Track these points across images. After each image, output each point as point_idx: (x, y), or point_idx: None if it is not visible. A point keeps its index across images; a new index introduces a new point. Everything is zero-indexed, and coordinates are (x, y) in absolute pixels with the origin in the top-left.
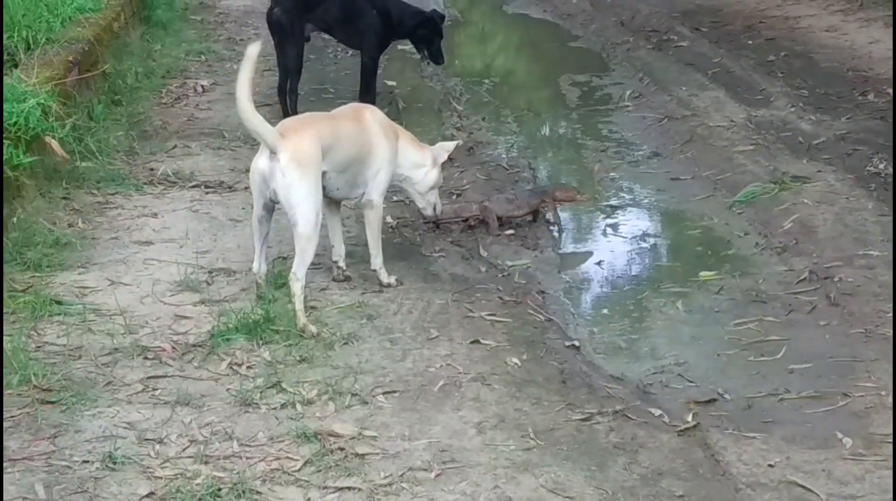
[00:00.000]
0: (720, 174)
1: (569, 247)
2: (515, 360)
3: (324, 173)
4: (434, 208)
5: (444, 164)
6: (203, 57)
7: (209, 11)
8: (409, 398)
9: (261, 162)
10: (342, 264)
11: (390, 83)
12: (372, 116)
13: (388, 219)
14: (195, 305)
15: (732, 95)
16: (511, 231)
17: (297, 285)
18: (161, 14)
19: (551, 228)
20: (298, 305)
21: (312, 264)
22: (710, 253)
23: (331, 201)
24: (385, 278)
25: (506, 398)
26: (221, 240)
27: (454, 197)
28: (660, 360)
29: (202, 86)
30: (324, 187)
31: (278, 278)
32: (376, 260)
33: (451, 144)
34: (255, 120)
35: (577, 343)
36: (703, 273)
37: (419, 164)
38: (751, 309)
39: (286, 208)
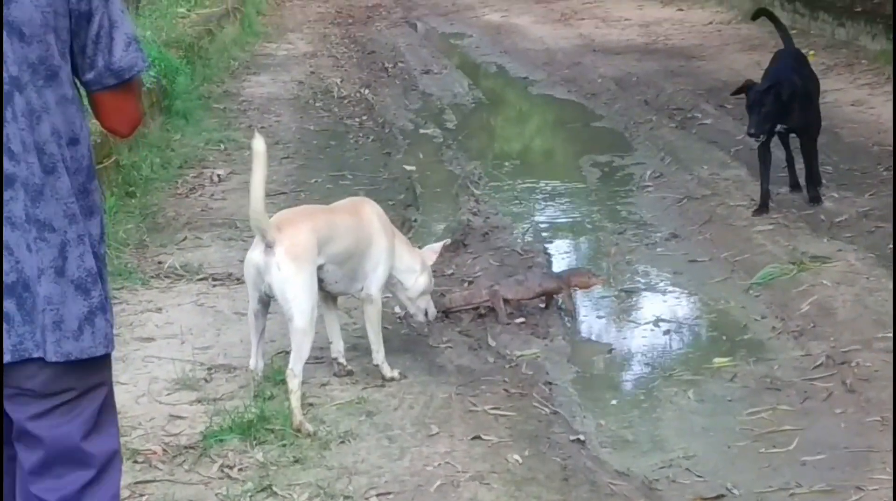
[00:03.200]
0: (738, 255)
1: (580, 335)
2: (517, 456)
3: (321, 267)
4: (426, 314)
5: (456, 250)
6: (222, 145)
7: (232, 99)
8: (403, 500)
9: (255, 255)
10: (342, 359)
11: (408, 168)
12: (371, 209)
13: (397, 309)
14: (191, 403)
15: (754, 173)
16: (522, 319)
17: (293, 382)
18: (181, 104)
19: (563, 314)
20: (295, 402)
21: (314, 358)
22: (725, 338)
23: (327, 296)
24: (387, 372)
25: (504, 498)
26: (224, 334)
27: (465, 284)
28: (668, 453)
29: (218, 175)
30: (321, 281)
31: (277, 374)
32: (378, 355)
33: (438, 246)
34: (261, 218)
35: (582, 437)
36: (716, 360)
37: (411, 268)
38: (765, 397)
39: (281, 302)
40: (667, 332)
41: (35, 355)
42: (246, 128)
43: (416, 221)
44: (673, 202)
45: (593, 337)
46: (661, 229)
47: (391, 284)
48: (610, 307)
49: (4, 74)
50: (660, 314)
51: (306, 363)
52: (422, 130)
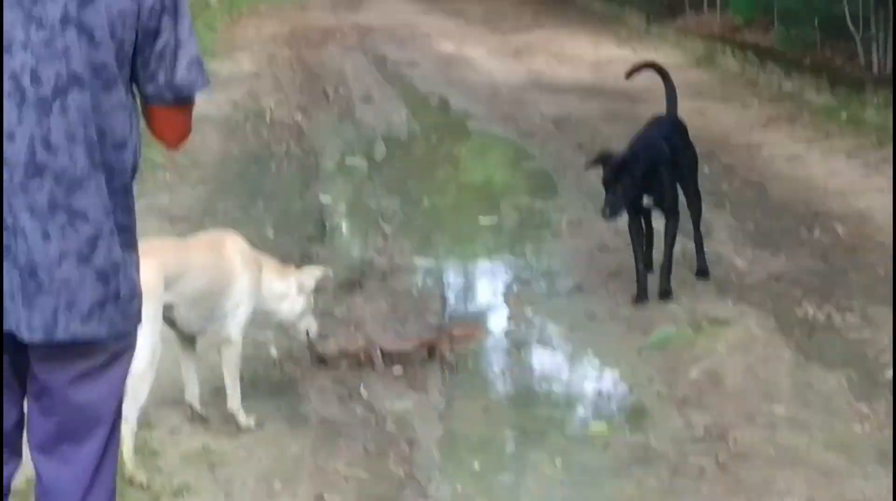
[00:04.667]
0: (638, 313)
1: (457, 390)
2: None
3: (169, 306)
4: (307, 333)
5: (351, 291)
6: None
7: None
8: None
9: None
10: (196, 405)
11: (324, 200)
12: (234, 245)
13: (273, 351)
14: None
15: (682, 224)
16: (400, 370)
17: (126, 429)
18: None
19: (444, 367)
20: (127, 452)
21: (172, 400)
22: (608, 402)
23: (184, 338)
24: (243, 420)
25: None
26: None
27: (352, 328)
28: None
29: None
30: (172, 321)
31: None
32: (233, 401)
33: (318, 270)
34: None
35: None
36: (592, 425)
37: (283, 294)
38: (633, 470)
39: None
40: (549, 393)
41: (26, 338)
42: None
43: (318, 255)
44: (585, 252)
45: (470, 393)
46: (567, 279)
47: (266, 313)
48: (495, 362)
49: (65, 70)
50: (546, 373)
51: (161, 405)
52: (348, 161)
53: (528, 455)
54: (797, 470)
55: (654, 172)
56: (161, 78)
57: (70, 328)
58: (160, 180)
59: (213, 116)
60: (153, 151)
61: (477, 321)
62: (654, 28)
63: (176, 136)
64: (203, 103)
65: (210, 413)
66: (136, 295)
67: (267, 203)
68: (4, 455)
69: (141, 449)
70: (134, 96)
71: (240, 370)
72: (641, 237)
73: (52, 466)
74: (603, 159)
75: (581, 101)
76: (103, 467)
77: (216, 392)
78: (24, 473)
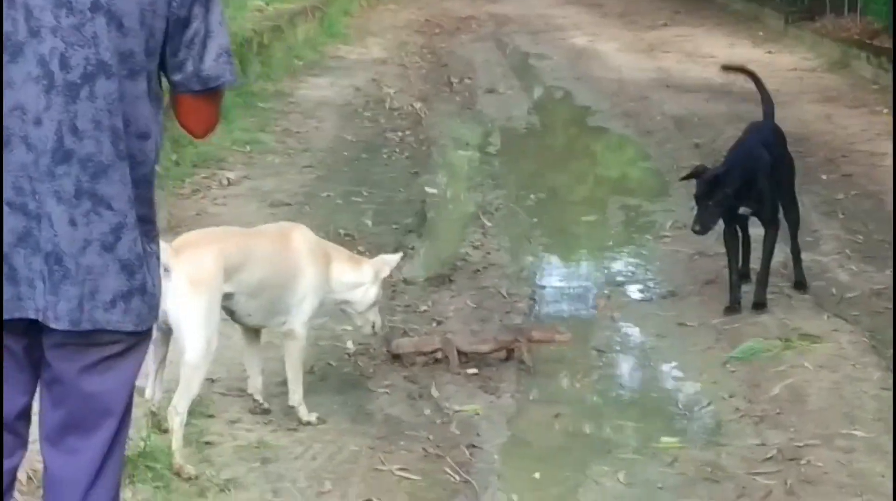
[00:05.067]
0: (729, 324)
1: (530, 394)
2: None
3: (230, 296)
4: (373, 326)
5: (439, 286)
6: (248, 147)
7: (280, 100)
8: None
9: None
10: (259, 397)
11: (429, 190)
12: (302, 237)
13: (349, 344)
14: None
15: (780, 234)
16: (475, 370)
17: (176, 420)
18: None
19: (521, 370)
20: (176, 442)
21: (237, 389)
22: (684, 416)
23: (249, 330)
24: (304, 415)
25: None
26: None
27: (434, 324)
28: None
29: (228, 178)
30: (233, 313)
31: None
32: (295, 396)
33: (394, 258)
34: None
35: None
36: (663, 439)
37: (357, 283)
38: (698, 489)
39: (175, 331)
40: (624, 402)
41: (52, 325)
42: (281, 131)
43: (412, 248)
44: (685, 257)
45: (544, 398)
46: (661, 285)
47: (338, 304)
48: (574, 368)
49: (94, 56)
50: (623, 381)
51: (223, 394)
52: (461, 152)
53: (591, 466)
54: (868, 499)
55: (752, 182)
56: (189, 67)
57: (94, 316)
58: (268, 164)
59: (332, 101)
60: (266, 135)
61: (558, 325)
62: (791, 29)
63: (202, 126)
64: (325, 88)
65: (273, 406)
66: (158, 288)
67: (371, 192)
68: (10, 445)
69: (195, 440)
70: (161, 87)
71: (305, 363)
72: (737, 246)
73: (59, 456)
74: (697, 174)
75: (707, 101)
76: (110, 459)
77: (283, 385)
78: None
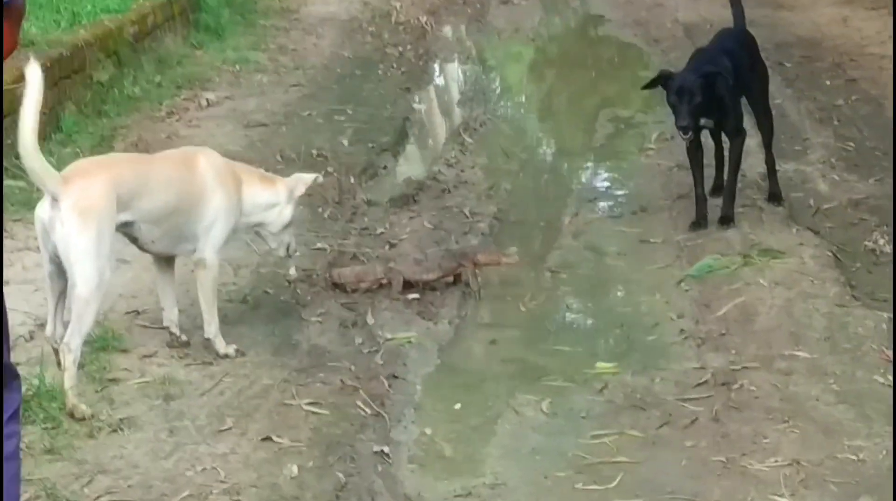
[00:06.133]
0: (693, 240)
1: (471, 320)
2: (294, 468)
3: (131, 224)
4: (287, 248)
5: (402, 207)
6: (237, 66)
7: (284, 17)
8: None
9: (41, 209)
10: (175, 329)
11: (416, 106)
12: (207, 161)
13: (291, 271)
14: None
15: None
16: (416, 295)
17: (69, 358)
18: (210, 18)
19: (467, 295)
20: (69, 380)
21: (154, 324)
22: (628, 339)
23: (160, 258)
24: (221, 348)
25: None
26: None
27: (387, 247)
28: (478, 477)
29: (208, 99)
30: (136, 240)
31: (99, 341)
32: (210, 327)
33: (309, 177)
34: (34, 159)
35: (386, 449)
36: (599, 365)
37: (271, 204)
38: (622, 417)
39: (65, 264)
40: (568, 326)
41: None
42: (276, 48)
43: (385, 167)
44: (664, 170)
45: (483, 324)
46: (633, 200)
47: (251, 226)
48: (524, 291)
49: None
50: (572, 303)
51: (145, 327)
52: (460, 66)
53: (517, 395)
54: (795, 425)
55: (711, 91)
56: None
57: None
58: (255, 83)
59: (337, 17)
60: (258, 53)
61: (509, 247)
62: None
63: None
64: (333, 4)
65: (196, 340)
66: None
67: (356, 110)
68: None
69: (100, 377)
70: None
71: (240, 292)
72: (700, 159)
73: None
74: (662, 80)
75: (723, 6)
76: None
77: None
78: None
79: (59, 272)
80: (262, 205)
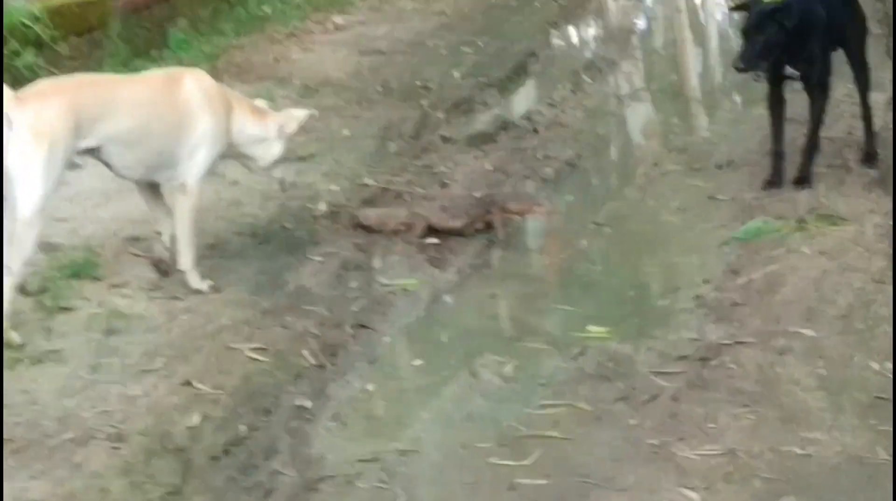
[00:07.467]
0: (760, 199)
1: (483, 270)
2: (196, 417)
3: (98, 149)
4: (281, 184)
5: (477, 145)
6: None
7: None
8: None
9: None
10: (163, 252)
11: (554, 40)
12: (194, 83)
13: (321, 206)
14: None
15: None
16: (434, 240)
17: (7, 281)
18: None
19: (491, 243)
20: (6, 306)
21: (147, 253)
22: (636, 302)
23: (144, 186)
24: (195, 282)
25: (109, 473)
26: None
27: (437, 187)
28: (393, 442)
29: (336, 23)
30: (109, 165)
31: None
32: (185, 258)
33: (301, 113)
34: None
35: (308, 405)
36: (590, 328)
37: (260, 138)
38: (582, 388)
39: (10, 184)
40: (582, 283)
41: None
42: None
43: (484, 104)
44: (766, 124)
45: (494, 275)
46: (724, 153)
47: (237, 157)
48: (557, 243)
49: None
50: (599, 260)
51: (137, 256)
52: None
53: (484, 356)
54: (754, 410)
55: (803, 37)
56: None
57: None
58: (397, 10)
59: None
60: None
61: (561, 194)
62: None
63: None
64: None
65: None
66: None
67: (488, 43)
68: None
69: (52, 306)
70: None
71: (256, 223)
72: (781, 112)
73: None
74: (749, 4)
75: None
76: None
77: (211, 248)
78: None
79: None
80: (250, 137)
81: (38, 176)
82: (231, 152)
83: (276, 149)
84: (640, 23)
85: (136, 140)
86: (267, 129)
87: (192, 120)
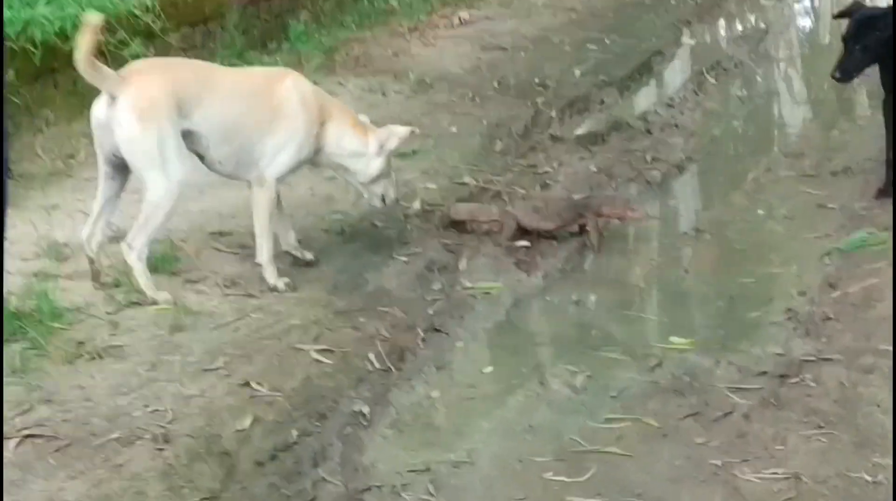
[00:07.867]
0: (870, 209)
1: (570, 275)
2: (248, 420)
3: (190, 133)
4: (383, 199)
5: (587, 145)
6: None
7: None
8: (43, 449)
9: (97, 108)
10: (296, 252)
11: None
12: (294, 85)
13: (416, 204)
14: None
15: None
16: (526, 243)
17: (131, 257)
18: None
19: (584, 248)
20: (143, 279)
21: (229, 248)
22: (726, 314)
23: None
24: (271, 278)
25: (150, 475)
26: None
27: (538, 188)
28: (449, 452)
29: (461, 18)
30: (203, 158)
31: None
32: (262, 253)
33: (403, 130)
34: (86, 62)
35: (365, 410)
36: (672, 339)
37: (358, 153)
38: (653, 402)
39: (132, 167)
40: (671, 292)
41: None
42: None
43: (602, 102)
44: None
45: (582, 280)
46: (842, 160)
47: (334, 167)
48: (651, 249)
49: None
50: (693, 268)
51: (218, 250)
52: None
53: (558, 365)
54: (828, 433)
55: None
56: None
57: None
58: (527, 5)
59: None
60: None
61: (664, 199)
62: None
63: None
64: None
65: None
66: None
67: (615, 41)
68: None
69: (122, 300)
70: None
71: (346, 220)
72: None
73: None
74: (852, 10)
75: None
76: None
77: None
78: None
79: (114, 175)
80: (347, 150)
81: (155, 156)
82: (326, 162)
83: (375, 165)
84: (774, 25)
85: (230, 131)
86: (366, 144)
87: (283, 120)
